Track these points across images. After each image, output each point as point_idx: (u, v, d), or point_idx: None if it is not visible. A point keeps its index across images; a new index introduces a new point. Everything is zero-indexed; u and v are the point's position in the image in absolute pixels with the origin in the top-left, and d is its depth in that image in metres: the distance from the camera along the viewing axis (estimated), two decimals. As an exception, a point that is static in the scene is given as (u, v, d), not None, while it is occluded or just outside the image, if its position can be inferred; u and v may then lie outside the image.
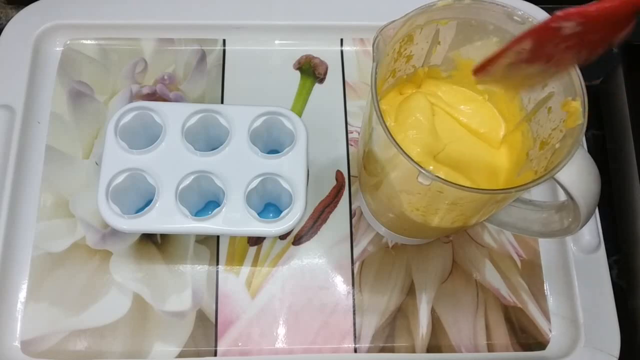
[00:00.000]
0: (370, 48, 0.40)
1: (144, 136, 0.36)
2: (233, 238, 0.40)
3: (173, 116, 0.36)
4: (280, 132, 0.37)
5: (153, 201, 0.34)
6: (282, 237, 0.40)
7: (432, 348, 0.38)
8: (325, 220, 0.40)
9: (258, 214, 0.35)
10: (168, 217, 0.34)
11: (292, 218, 0.34)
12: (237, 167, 0.35)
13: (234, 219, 0.34)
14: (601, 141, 0.47)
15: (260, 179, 0.35)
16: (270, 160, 0.36)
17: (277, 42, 0.45)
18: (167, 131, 0.36)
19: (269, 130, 0.37)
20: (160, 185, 0.35)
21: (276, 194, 0.36)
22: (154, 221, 0.34)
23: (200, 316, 0.38)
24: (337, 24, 0.45)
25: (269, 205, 0.39)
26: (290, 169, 0.35)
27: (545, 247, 0.41)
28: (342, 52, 0.45)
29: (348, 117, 0.43)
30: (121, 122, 0.36)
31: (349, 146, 0.42)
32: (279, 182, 0.35)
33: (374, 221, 0.39)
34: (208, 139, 0.37)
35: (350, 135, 0.43)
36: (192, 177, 0.35)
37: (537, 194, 0.41)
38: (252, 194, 0.35)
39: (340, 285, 0.39)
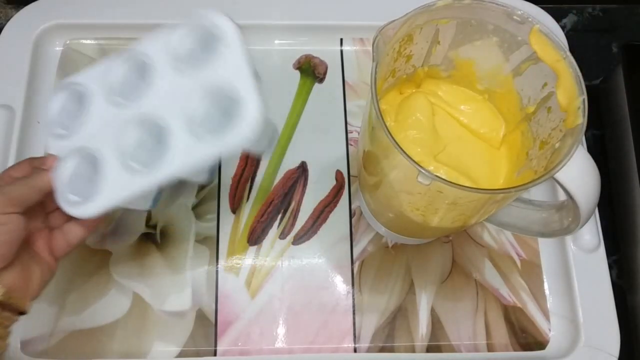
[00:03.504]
0: (370, 48, 0.40)
1: (83, 111, 0.33)
2: (233, 238, 0.40)
3: (95, 78, 0.33)
4: (207, 40, 0.32)
5: (102, 172, 0.31)
6: (282, 236, 0.40)
7: (431, 348, 0.38)
8: (325, 220, 0.40)
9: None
10: (124, 181, 0.30)
11: (246, 118, 0.29)
12: (172, 97, 0.31)
13: (187, 151, 0.30)
14: (601, 141, 0.47)
15: (198, 98, 0.31)
16: (201, 73, 0.31)
17: (276, 42, 0.45)
18: (93, 97, 0.32)
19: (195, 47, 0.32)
20: (104, 153, 0.31)
21: (223, 106, 0.31)
22: (113, 192, 0.31)
23: (200, 316, 0.38)
24: (336, 23, 0.45)
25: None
26: (228, 72, 0.30)
27: (545, 247, 0.41)
28: (341, 51, 0.45)
29: (348, 117, 0.43)
30: (52, 112, 0.33)
31: (349, 146, 0.42)
32: (219, 91, 0.30)
33: (374, 221, 0.39)
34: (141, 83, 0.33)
35: (350, 135, 0.43)
36: (130, 129, 0.31)
37: (537, 193, 0.41)
38: (197, 116, 0.31)
39: (340, 285, 0.39)
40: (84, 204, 0.31)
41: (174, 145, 0.30)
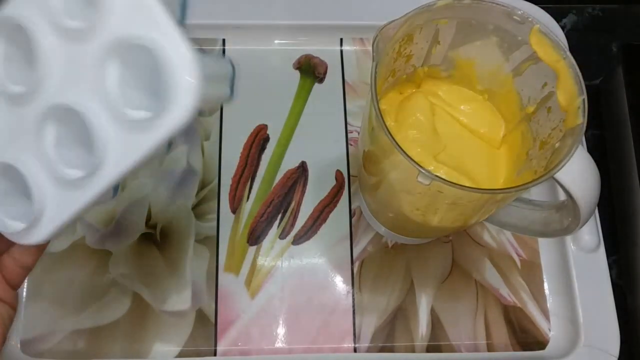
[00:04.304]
0: (369, 48, 0.40)
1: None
2: (233, 238, 0.40)
3: None
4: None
5: (33, 187, 0.24)
6: (282, 236, 0.40)
7: (431, 348, 0.38)
8: (324, 220, 0.40)
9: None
10: (64, 195, 0.24)
11: (180, 83, 0.21)
12: (74, 73, 0.23)
13: (122, 141, 0.22)
14: (601, 141, 0.47)
15: (107, 66, 0.22)
16: (98, 32, 0.22)
17: (276, 41, 0.45)
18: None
19: None
20: (25, 163, 0.24)
21: (145, 68, 0.22)
22: (59, 209, 0.24)
23: (200, 316, 0.38)
24: (336, 23, 0.45)
25: None
26: (134, 21, 0.21)
27: (545, 247, 0.41)
28: (341, 51, 0.45)
29: (348, 117, 0.43)
30: None
31: (349, 146, 0.42)
32: (132, 50, 0.21)
33: (374, 221, 0.39)
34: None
35: (350, 135, 0.43)
36: (42, 127, 0.23)
37: (537, 193, 0.41)
38: (116, 92, 0.22)
39: (340, 285, 0.39)
40: (31, 230, 0.25)
41: (103, 137, 0.22)
